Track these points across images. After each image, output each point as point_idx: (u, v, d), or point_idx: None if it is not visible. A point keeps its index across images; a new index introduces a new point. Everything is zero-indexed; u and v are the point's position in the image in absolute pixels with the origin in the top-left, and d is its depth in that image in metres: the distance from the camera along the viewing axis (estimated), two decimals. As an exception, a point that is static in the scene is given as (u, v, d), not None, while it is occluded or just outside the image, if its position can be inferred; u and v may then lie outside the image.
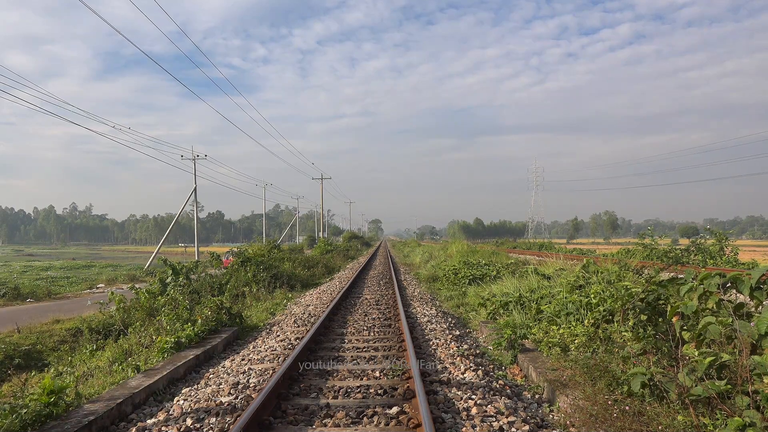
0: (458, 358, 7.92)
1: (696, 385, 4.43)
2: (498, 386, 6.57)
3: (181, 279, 16.58)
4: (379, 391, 6.27)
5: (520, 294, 11.28)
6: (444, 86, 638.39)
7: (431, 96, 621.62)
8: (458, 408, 5.66)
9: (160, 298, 13.69)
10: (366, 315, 12.50)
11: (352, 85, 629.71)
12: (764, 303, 4.76)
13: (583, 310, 8.14)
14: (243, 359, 8.48)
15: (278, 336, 10.27)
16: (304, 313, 13.09)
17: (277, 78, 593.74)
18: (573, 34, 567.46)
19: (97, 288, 28.10)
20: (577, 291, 9.17)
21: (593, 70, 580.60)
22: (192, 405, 6.11)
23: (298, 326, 11.19)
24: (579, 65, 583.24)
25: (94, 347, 11.26)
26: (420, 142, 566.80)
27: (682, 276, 5.87)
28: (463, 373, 7.13)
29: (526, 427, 5.09)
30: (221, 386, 6.83)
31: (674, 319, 5.27)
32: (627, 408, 4.80)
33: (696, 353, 4.65)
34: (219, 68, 79.67)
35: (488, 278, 17.18)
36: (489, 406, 5.68)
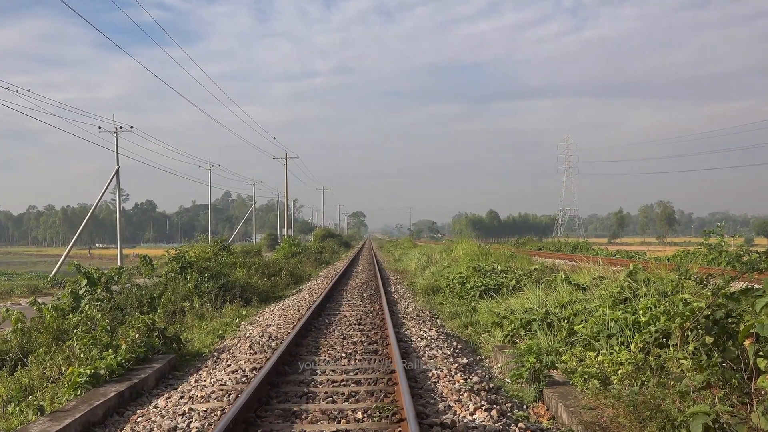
0: (466, 394, 7.97)
1: (775, 428, 4.49)
2: (518, 431, 6.62)
3: (99, 291, 16.48)
4: (363, 438, 6.28)
5: (546, 310, 11.36)
6: (448, 35, 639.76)
7: (431, 48, 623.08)
8: (466, 459, 5.69)
9: (71, 316, 13.60)
10: (345, 338, 12.52)
11: (326, 32, 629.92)
12: None
13: (629, 330, 8.20)
14: (182, 397, 8.47)
15: (229, 366, 10.25)
16: (263, 335, 13.08)
17: (227, 22, 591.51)
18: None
19: (-13, 303, 27.85)
20: (621, 306, 9.24)
21: (644, 14, 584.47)
22: (114, 458, 6.09)
23: (255, 353, 11.19)
24: (626, 8, 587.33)
25: (-17, 382, 11.16)
26: (416, 110, 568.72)
27: (759, 287, 5.92)
28: (472, 414, 7.17)
29: (555, 484, 5.13)
30: (153, 433, 6.81)
31: (747, 343, 5.33)
32: (685, 458, 4.85)
33: (775, 386, 4.70)
34: (147, 9, 78.79)
35: (505, 289, 17.28)
36: (506, 456, 5.72)
